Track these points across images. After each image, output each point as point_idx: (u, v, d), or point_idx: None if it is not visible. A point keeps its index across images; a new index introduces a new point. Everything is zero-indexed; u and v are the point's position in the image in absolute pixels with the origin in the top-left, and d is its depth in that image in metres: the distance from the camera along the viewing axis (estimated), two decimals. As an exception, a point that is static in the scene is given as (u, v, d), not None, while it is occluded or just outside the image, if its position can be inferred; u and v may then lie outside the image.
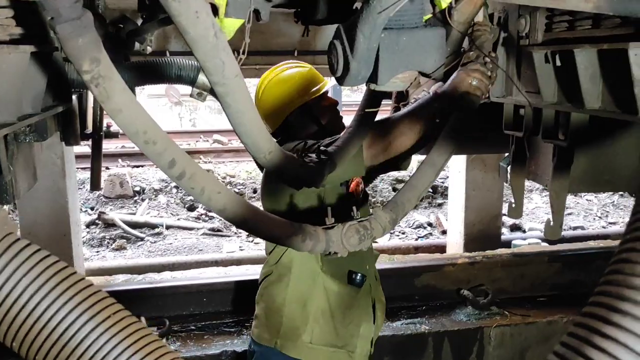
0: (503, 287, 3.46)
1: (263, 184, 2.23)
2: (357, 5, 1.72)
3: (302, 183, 1.87)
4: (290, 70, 2.32)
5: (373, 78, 1.29)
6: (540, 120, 2.20)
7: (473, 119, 1.98)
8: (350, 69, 1.25)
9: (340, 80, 1.31)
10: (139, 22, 2.91)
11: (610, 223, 7.58)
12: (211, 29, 1.22)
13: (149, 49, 3.16)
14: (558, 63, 1.88)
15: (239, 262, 5.54)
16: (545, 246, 4.53)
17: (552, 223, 2.32)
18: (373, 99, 2.19)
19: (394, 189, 7.91)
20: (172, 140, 1.53)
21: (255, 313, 2.30)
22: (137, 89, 2.98)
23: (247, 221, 1.57)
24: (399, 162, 2.25)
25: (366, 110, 1.88)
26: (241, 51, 1.54)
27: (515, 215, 2.67)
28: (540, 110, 2.17)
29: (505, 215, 6.62)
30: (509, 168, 3.10)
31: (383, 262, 3.74)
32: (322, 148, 2.02)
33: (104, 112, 3.15)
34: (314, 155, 1.98)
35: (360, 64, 1.24)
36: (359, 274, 2.16)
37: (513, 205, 2.65)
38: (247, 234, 6.43)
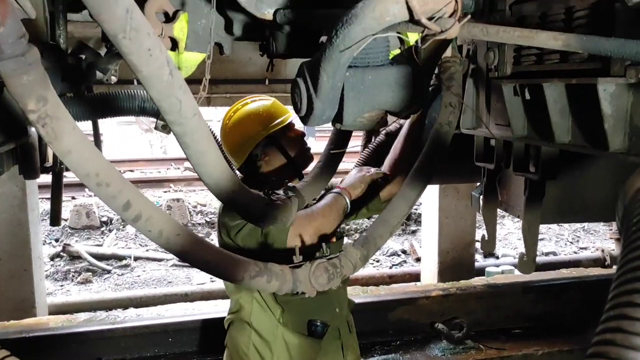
0: (477, 320, 3.41)
1: (225, 220, 2.12)
2: (323, 39, 1.68)
3: (270, 221, 1.79)
4: (254, 103, 2.27)
5: (338, 118, 1.23)
6: (511, 152, 2.17)
7: (445, 151, 1.95)
8: (314, 108, 1.19)
9: (305, 120, 1.25)
10: (103, 50, 2.82)
11: (582, 248, 7.64)
12: (166, 67, 1.15)
13: (114, 79, 3.07)
14: (527, 96, 1.85)
15: (209, 294, 5.39)
16: (518, 275, 4.50)
17: (525, 257, 2.28)
18: (341, 137, 2.15)
19: (369, 218, 7.86)
20: (127, 180, 1.45)
21: (223, 357, 2.20)
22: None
23: (209, 263, 1.49)
24: None
25: (331, 152, 1.83)
26: (201, 87, 1.47)
27: (489, 249, 2.63)
28: (511, 142, 2.15)
29: (478, 242, 6.62)
30: (481, 197, 3.07)
31: (356, 296, 3.66)
32: (289, 185, 1.95)
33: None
34: (281, 193, 1.91)
35: (325, 103, 1.18)
36: (319, 324, 2.09)
37: (486, 238, 2.61)
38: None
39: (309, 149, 2.31)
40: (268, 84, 5.27)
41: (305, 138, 2.34)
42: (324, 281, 1.64)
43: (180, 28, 1.54)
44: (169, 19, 1.56)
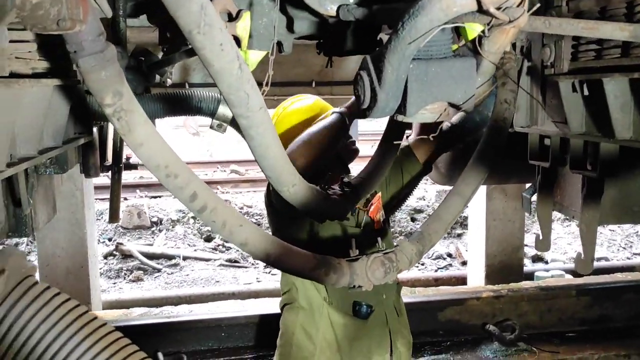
0: (530, 322, 3.35)
1: (276, 213, 2.17)
2: (381, 36, 1.70)
3: (326, 216, 1.82)
4: (299, 102, 2.34)
5: (401, 109, 1.25)
6: (568, 150, 2.14)
7: (500, 147, 1.94)
8: (377, 100, 1.21)
9: (368, 112, 1.27)
10: (160, 55, 2.93)
11: (635, 254, 7.38)
12: (236, 62, 1.19)
13: (169, 81, 3.18)
14: (586, 92, 1.83)
15: (256, 294, 5.46)
16: (570, 279, 4.40)
17: (583, 256, 2.24)
18: (396, 129, 2.16)
19: (412, 219, 7.82)
20: (194, 173, 1.51)
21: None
22: (157, 121, 2.99)
23: (269, 255, 1.52)
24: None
25: (393, 142, 1.85)
26: (264, 83, 1.52)
27: (543, 248, 2.59)
28: (567, 140, 2.12)
29: (527, 246, 6.49)
30: (532, 198, 3.02)
31: (405, 296, 3.66)
32: (345, 180, 1.98)
33: (124, 144, 3.15)
34: (337, 188, 1.94)
35: (389, 95, 1.20)
36: (364, 305, 2.11)
37: (540, 238, 2.57)
38: (264, 264, 6.37)
39: (353, 142, 2.34)
40: (315, 86, 5.31)
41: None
42: (381, 275, 1.66)
43: (243, 27, 1.59)
44: (232, 18, 1.61)
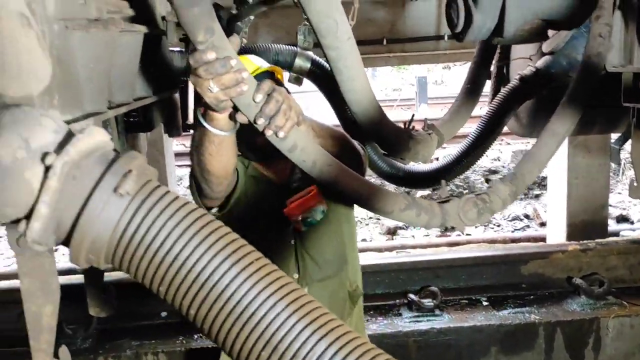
0: (619, 276, 3.20)
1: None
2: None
3: (411, 156, 1.81)
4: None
5: (498, 30, 1.20)
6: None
7: (595, 85, 1.84)
8: (473, 20, 1.17)
9: (461, 35, 1.23)
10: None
11: None
12: (326, -10, 1.18)
13: (244, 41, 3.22)
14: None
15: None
16: (662, 235, 4.16)
17: (635, 183, 2.12)
18: (480, 72, 2.10)
19: (487, 180, 7.62)
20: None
21: None
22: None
23: (360, 194, 1.52)
24: None
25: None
26: (350, 17, 1.50)
27: (638, 195, 2.46)
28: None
29: (611, 206, 6.18)
30: (620, 149, 2.87)
31: (484, 250, 3.58)
32: (428, 122, 1.95)
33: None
34: (421, 129, 1.91)
35: (485, 14, 1.16)
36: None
37: (635, 184, 2.44)
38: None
39: None
40: (386, 44, 5.22)
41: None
42: (474, 216, 1.62)
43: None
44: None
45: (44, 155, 0.67)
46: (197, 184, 1.61)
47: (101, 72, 1.48)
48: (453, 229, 1.61)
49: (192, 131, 3.39)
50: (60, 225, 0.69)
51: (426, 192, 6.29)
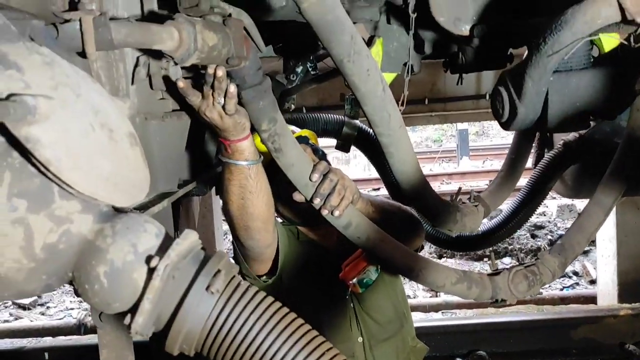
0: (675, 343, 3.12)
1: None
2: (511, 51, 1.74)
3: (458, 227, 1.87)
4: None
5: (541, 121, 1.28)
6: None
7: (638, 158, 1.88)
8: (517, 113, 1.26)
9: (507, 125, 1.32)
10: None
11: None
12: (380, 84, 1.30)
13: (292, 107, 3.40)
14: None
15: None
16: None
17: None
18: (523, 143, 2.17)
19: (532, 236, 7.51)
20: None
21: None
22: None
23: (412, 269, 1.59)
24: None
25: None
26: (399, 103, 1.61)
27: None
28: None
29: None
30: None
31: (532, 313, 3.54)
32: (474, 194, 2.02)
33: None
34: (467, 201, 1.98)
35: (528, 108, 1.25)
36: None
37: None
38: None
39: None
40: (428, 103, 5.34)
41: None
42: (524, 288, 1.66)
43: (376, 52, 1.71)
44: (366, 44, 1.73)
45: (149, 258, 0.78)
46: (241, 246, 1.66)
47: (173, 155, 1.63)
48: (504, 300, 1.65)
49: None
50: (159, 318, 0.79)
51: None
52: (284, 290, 1.71)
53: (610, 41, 1.38)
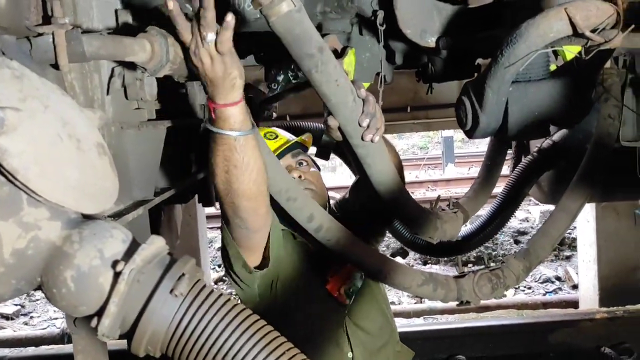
0: (649, 345, 3.18)
1: None
2: (479, 61, 1.80)
3: (438, 234, 1.91)
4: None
5: (502, 130, 1.34)
6: (679, 161, 2.09)
7: (606, 162, 1.94)
8: (479, 122, 1.31)
9: (470, 133, 1.37)
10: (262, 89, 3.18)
11: None
12: (350, 95, 1.33)
13: (274, 115, 3.44)
14: (696, 102, 1.81)
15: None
16: (696, 301, 4.09)
17: None
18: (497, 151, 2.22)
19: (516, 242, 7.59)
20: (309, 197, 1.66)
21: None
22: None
23: (381, 271, 1.63)
24: None
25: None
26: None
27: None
28: (679, 151, 2.07)
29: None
30: (646, 215, 2.91)
31: (511, 318, 3.60)
32: (453, 201, 2.07)
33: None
34: (446, 208, 2.03)
35: (489, 117, 1.30)
36: None
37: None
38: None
39: None
40: (410, 111, 5.39)
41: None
42: (488, 291, 1.71)
43: (349, 62, 1.75)
44: (339, 55, 1.78)
45: (114, 263, 0.82)
46: (228, 223, 1.50)
47: (149, 163, 1.66)
48: (468, 302, 1.70)
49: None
50: (125, 321, 0.82)
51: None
52: (277, 296, 1.66)
53: (574, 50, 1.44)
